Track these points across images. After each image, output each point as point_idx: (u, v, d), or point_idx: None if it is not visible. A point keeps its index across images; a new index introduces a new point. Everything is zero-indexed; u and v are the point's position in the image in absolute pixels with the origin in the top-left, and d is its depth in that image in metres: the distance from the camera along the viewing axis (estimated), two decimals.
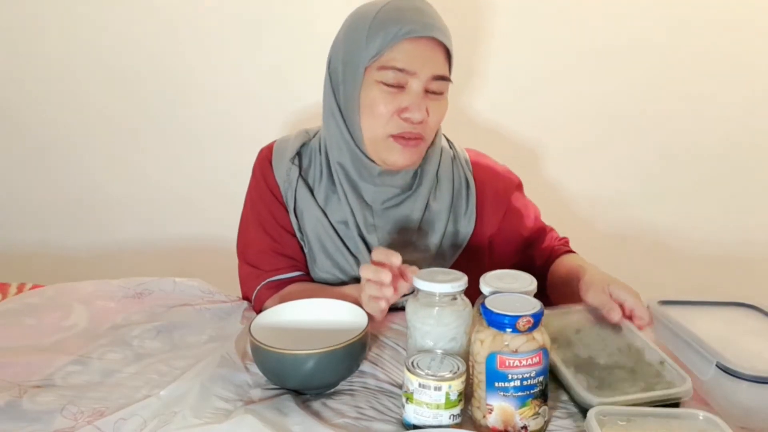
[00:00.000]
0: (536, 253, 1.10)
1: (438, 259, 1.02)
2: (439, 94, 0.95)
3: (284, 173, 1.03)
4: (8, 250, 1.73)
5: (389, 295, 0.78)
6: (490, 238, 1.07)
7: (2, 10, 1.56)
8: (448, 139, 1.10)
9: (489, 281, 0.75)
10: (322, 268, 1.02)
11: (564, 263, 1.03)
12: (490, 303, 0.67)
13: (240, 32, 1.55)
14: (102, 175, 1.68)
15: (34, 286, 1.11)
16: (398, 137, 0.93)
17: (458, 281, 0.73)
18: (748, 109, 1.56)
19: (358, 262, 1.01)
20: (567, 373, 0.73)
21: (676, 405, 0.68)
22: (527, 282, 0.76)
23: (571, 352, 0.78)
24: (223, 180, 1.64)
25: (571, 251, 1.10)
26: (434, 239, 1.02)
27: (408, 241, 1.01)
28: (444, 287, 0.72)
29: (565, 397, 0.75)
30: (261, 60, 1.56)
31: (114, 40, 1.57)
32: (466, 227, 1.05)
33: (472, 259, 1.04)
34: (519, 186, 1.12)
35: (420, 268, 0.97)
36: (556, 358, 0.76)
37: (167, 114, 1.62)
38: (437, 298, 0.73)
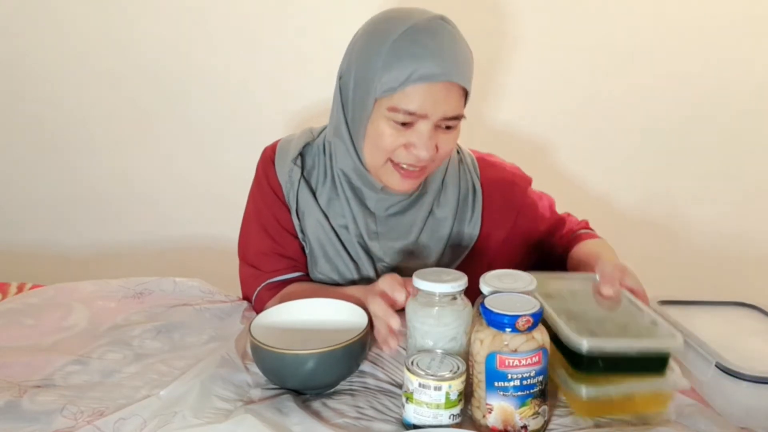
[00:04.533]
0: (556, 242, 1.07)
1: (440, 265, 1.01)
2: (451, 128, 0.91)
3: (286, 174, 1.01)
4: (8, 250, 1.73)
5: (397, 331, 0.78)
6: (502, 240, 1.04)
7: (3, 7, 1.56)
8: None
9: (488, 281, 0.75)
10: (321, 271, 1.02)
11: (583, 249, 1.01)
12: (489, 303, 0.67)
13: (240, 32, 1.55)
14: (102, 176, 1.68)
15: (34, 286, 1.11)
16: (397, 167, 0.91)
17: (458, 281, 0.73)
18: (751, 109, 1.57)
19: (357, 268, 1.00)
20: (557, 320, 0.71)
21: (664, 361, 0.68)
22: (527, 282, 0.76)
23: (565, 306, 0.76)
24: (223, 180, 1.64)
25: (592, 235, 1.08)
26: (437, 246, 1.01)
27: (411, 249, 1.00)
28: (444, 287, 0.72)
29: (565, 396, 0.75)
30: (261, 60, 1.57)
31: (114, 41, 1.57)
32: (471, 233, 1.03)
33: (474, 263, 1.02)
34: (529, 183, 1.10)
35: None
36: (549, 308, 0.74)
37: (167, 114, 1.62)
38: (437, 297, 0.73)
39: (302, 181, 1.01)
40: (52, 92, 1.62)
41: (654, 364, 0.68)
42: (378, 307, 0.78)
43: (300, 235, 1.02)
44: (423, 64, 0.84)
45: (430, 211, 1.01)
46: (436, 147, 0.90)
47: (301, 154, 1.03)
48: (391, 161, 0.92)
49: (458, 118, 0.90)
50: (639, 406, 0.69)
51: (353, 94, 0.92)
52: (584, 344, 0.66)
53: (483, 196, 1.04)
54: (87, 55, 1.58)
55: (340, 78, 0.96)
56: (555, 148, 1.60)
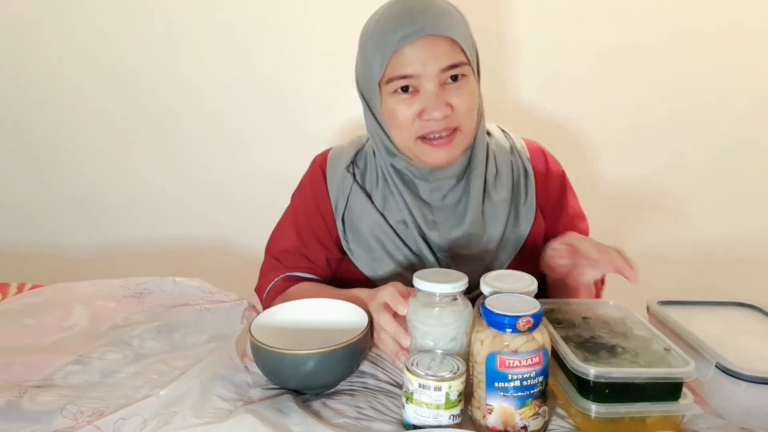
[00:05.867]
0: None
1: (501, 251, 1.01)
2: (459, 81, 0.92)
3: (339, 181, 1.03)
4: (8, 250, 1.73)
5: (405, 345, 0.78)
6: (543, 232, 1.05)
7: (2, 10, 1.56)
8: (503, 130, 1.09)
9: (489, 281, 0.75)
10: (385, 269, 1.01)
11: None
12: (490, 303, 0.67)
13: (238, 36, 1.55)
14: (102, 176, 1.68)
15: (34, 286, 1.11)
16: (426, 141, 0.93)
17: (458, 282, 0.73)
18: (751, 110, 1.57)
19: (420, 260, 1.00)
20: (565, 348, 0.71)
21: (676, 388, 0.67)
22: (528, 283, 0.76)
23: (574, 332, 0.77)
24: (221, 181, 1.64)
25: None
26: (496, 231, 1.01)
27: (471, 235, 1.00)
28: (444, 287, 0.72)
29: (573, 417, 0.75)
30: (259, 63, 1.57)
31: (113, 43, 1.57)
32: (528, 215, 1.03)
33: (537, 247, 1.02)
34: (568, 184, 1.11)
35: (484, 260, 0.99)
36: (557, 335, 0.74)
37: (166, 116, 1.62)
38: (437, 298, 0.73)
39: (355, 186, 1.03)
40: (52, 93, 1.62)
41: (665, 391, 0.67)
42: (387, 323, 0.77)
43: (344, 243, 1.03)
44: (398, 30, 0.89)
45: (487, 197, 1.01)
46: (450, 106, 0.91)
47: (353, 162, 1.05)
48: (420, 139, 0.94)
49: (457, 66, 0.91)
50: (650, 427, 0.68)
51: (367, 91, 0.97)
52: (591, 372, 0.65)
53: (536, 180, 1.05)
54: (86, 58, 1.58)
55: (357, 84, 1.00)
56: (554, 146, 1.60)
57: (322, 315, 0.86)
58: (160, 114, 1.62)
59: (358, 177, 1.04)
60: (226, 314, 1.00)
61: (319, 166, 1.07)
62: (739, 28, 1.50)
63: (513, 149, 1.06)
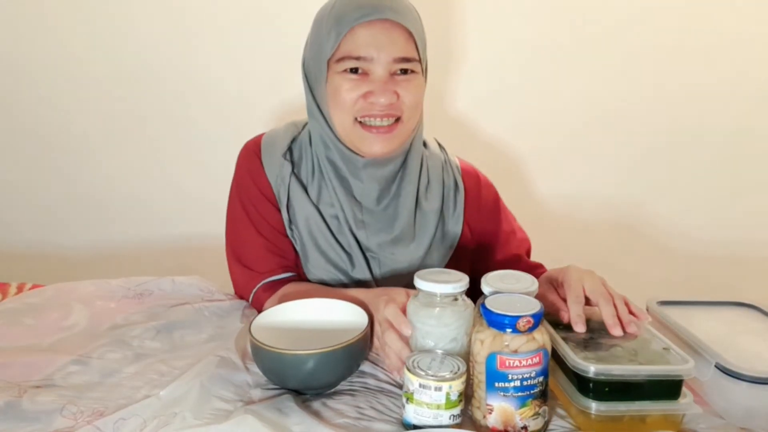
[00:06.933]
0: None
1: (428, 259, 1.02)
2: (409, 75, 0.92)
3: (276, 169, 1.00)
4: (8, 250, 1.73)
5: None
6: (478, 243, 1.08)
7: (7, 7, 1.56)
8: (440, 144, 1.10)
9: (490, 281, 0.75)
10: (315, 265, 1.00)
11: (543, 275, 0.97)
12: (490, 303, 0.67)
13: (237, 34, 1.55)
14: (102, 176, 1.68)
15: (34, 286, 1.11)
16: (366, 127, 0.92)
17: (460, 282, 0.73)
18: (748, 109, 1.57)
19: (351, 259, 1.00)
20: (565, 347, 0.71)
21: (676, 386, 0.68)
22: (529, 283, 0.76)
23: (573, 333, 0.76)
24: (220, 179, 1.64)
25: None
26: (425, 239, 1.01)
27: (399, 240, 1.00)
28: (445, 288, 0.72)
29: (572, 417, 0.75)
30: (258, 61, 1.57)
31: (112, 42, 1.57)
32: (455, 228, 1.05)
33: (460, 260, 1.04)
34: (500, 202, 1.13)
35: (411, 266, 0.98)
36: (557, 335, 0.75)
37: (165, 115, 1.62)
38: (438, 298, 0.73)
39: (292, 175, 1.00)
40: (49, 95, 1.62)
41: (665, 389, 0.67)
42: (393, 342, 0.76)
43: (289, 232, 1.01)
44: (359, 9, 0.88)
45: (417, 204, 1.02)
46: (397, 94, 0.91)
47: (289, 149, 1.02)
48: (359, 123, 0.92)
49: (410, 60, 0.91)
50: (650, 427, 0.68)
51: (314, 73, 0.95)
52: (591, 369, 0.66)
53: (465, 194, 1.06)
54: (82, 59, 1.58)
55: (303, 67, 0.99)
56: (540, 145, 1.60)
57: (322, 315, 0.86)
58: (159, 114, 1.62)
59: (295, 166, 1.02)
60: (225, 313, 1.00)
61: (254, 152, 1.03)
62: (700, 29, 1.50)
63: (446, 163, 1.07)
